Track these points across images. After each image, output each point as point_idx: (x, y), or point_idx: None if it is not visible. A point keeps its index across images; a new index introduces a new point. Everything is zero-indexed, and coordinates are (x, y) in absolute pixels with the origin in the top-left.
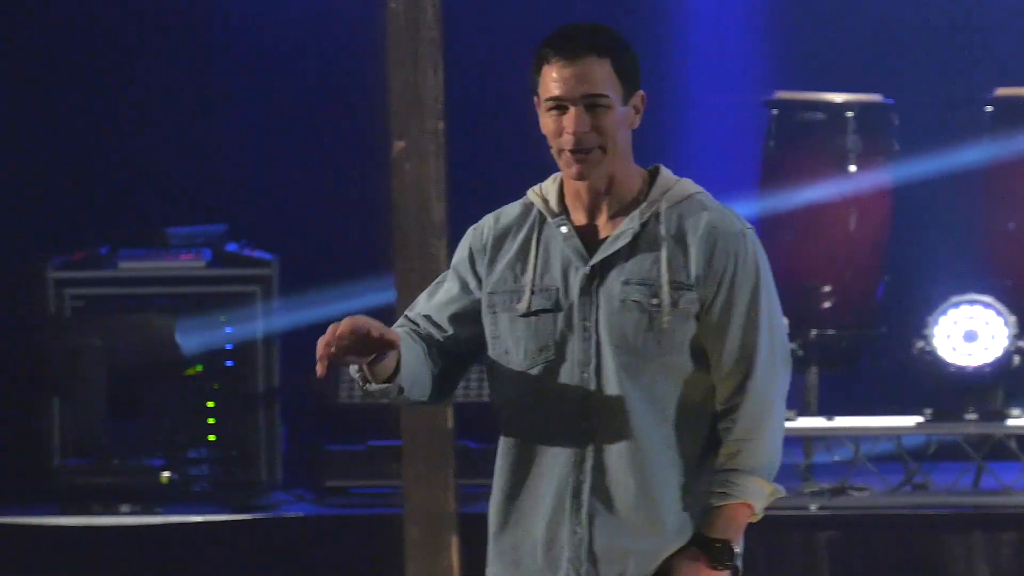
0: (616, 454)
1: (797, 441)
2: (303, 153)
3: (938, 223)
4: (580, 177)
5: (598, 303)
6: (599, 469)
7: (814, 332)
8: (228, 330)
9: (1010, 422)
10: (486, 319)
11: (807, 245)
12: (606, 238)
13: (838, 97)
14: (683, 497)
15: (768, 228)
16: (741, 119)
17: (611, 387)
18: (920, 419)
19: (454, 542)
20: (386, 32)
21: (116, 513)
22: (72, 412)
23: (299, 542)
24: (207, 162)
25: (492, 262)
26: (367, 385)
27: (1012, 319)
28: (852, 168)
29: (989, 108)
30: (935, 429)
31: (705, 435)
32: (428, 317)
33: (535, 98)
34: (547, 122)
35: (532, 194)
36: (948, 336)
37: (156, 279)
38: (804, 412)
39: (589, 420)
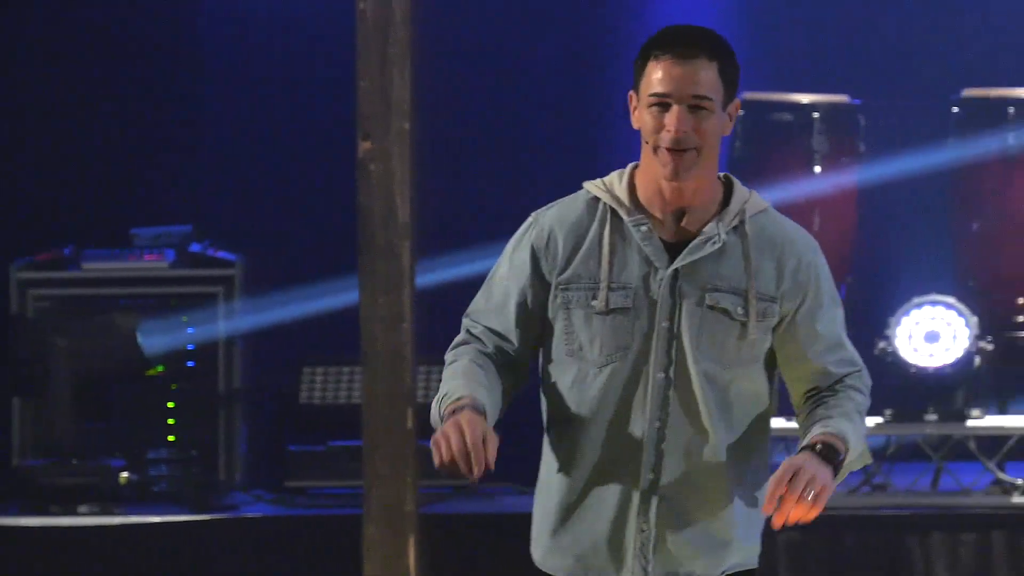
0: (688, 456)
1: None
2: (269, 153)
3: (903, 224)
4: (674, 176)
5: (681, 306)
6: (670, 469)
7: None
8: (190, 331)
9: (970, 423)
10: (556, 315)
11: None
12: (687, 241)
13: (804, 98)
14: (748, 505)
15: None
16: None
17: (689, 390)
18: (880, 419)
19: (412, 542)
20: (354, 33)
21: (75, 514)
22: (35, 412)
23: (259, 542)
24: (172, 163)
25: (562, 257)
26: None
27: (974, 320)
28: (818, 169)
29: (956, 109)
30: (895, 430)
31: (761, 449)
32: (494, 332)
33: (632, 93)
34: (646, 117)
35: (596, 189)
36: (910, 337)
37: (120, 280)
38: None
39: (663, 420)
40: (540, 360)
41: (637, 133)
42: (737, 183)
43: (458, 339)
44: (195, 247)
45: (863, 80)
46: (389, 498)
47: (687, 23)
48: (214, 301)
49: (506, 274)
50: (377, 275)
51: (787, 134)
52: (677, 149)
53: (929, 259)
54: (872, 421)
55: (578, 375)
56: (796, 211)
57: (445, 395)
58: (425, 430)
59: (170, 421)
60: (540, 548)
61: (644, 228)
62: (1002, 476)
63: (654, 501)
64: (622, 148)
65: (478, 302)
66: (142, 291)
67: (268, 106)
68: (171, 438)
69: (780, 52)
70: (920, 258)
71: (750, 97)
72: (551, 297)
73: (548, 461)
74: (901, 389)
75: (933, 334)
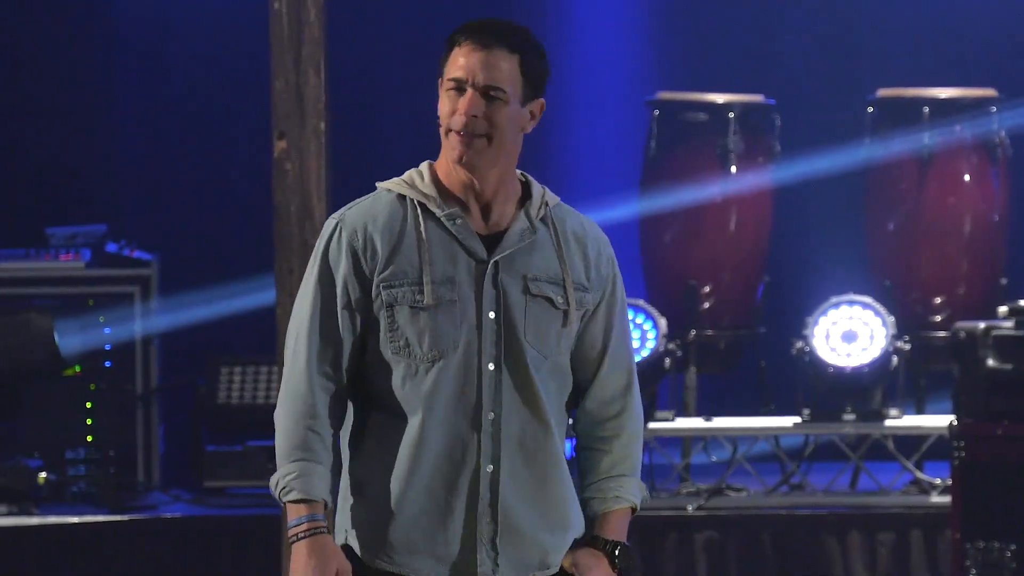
0: (523, 444)
1: (675, 442)
2: (184, 153)
3: (819, 224)
4: (460, 160)
5: (506, 297)
6: (510, 459)
7: (693, 332)
8: (107, 331)
9: (888, 422)
10: (380, 313)
11: (687, 246)
12: (498, 233)
13: (720, 98)
14: (570, 493)
15: (649, 228)
16: (623, 119)
17: (517, 380)
18: (798, 419)
19: None
20: (269, 32)
21: None
22: None
23: (177, 543)
24: (87, 162)
25: (381, 255)
26: None
27: (891, 320)
28: (733, 169)
29: (870, 109)
30: (813, 429)
31: (564, 430)
32: (344, 369)
33: (439, 80)
34: (444, 102)
35: (399, 187)
36: (827, 336)
37: (35, 279)
38: (682, 413)
39: (497, 411)
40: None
41: (544, 131)
42: (531, 178)
43: (300, 407)
44: (111, 247)
45: (779, 80)
46: None
47: (599, 22)
48: (131, 301)
49: (324, 290)
50: (293, 274)
51: (702, 134)
52: (466, 133)
53: (846, 259)
54: (790, 421)
55: (407, 372)
56: (712, 211)
57: (290, 487)
58: None
59: (88, 421)
60: (373, 546)
61: (459, 221)
62: (920, 475)
63: (499, 491)
64: (534, 147)
65: (313, 344)
66: (58, 291)
67: (183, 105)
68: (89, 438)
69: (696, 52)
70: (837, 258)
71: (665, 97)
72: (373, 296)
73: (371, 458)
74: (819, 389)
75: (851, 334)
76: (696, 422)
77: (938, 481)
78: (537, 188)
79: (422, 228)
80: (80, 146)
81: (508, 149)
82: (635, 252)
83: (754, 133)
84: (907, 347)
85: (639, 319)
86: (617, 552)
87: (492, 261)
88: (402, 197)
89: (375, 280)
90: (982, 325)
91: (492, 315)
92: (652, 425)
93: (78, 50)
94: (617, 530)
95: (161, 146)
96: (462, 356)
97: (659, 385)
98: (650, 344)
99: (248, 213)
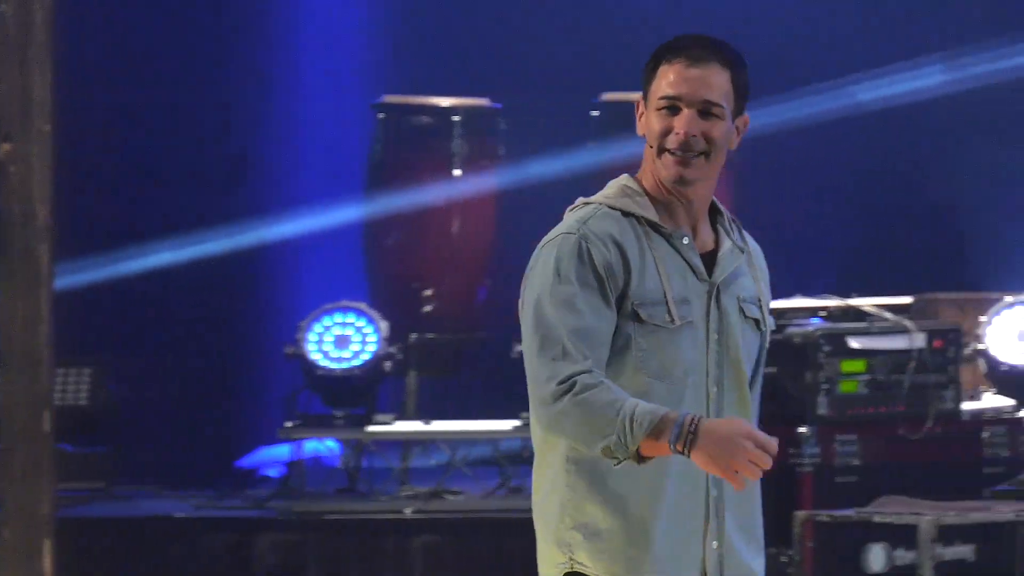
0: None
1: (395, 445)
2: None
3: (543, 227)
4: (678, 179)
5: (724, 318)
6: (722, 484)
7: (414, 336)
8: None
9: None
10: (635, 332)
11: (411, 249)
12: (711, 252)
13: (445, 101)
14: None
15: (372, 231)
16: (348, 122)
17: (735, 402)
18: (517, 422)
19: (48, 546)
20: None
21: None
22: None
23: None
24: None
25: (632, 272)
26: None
27: None
28: (457, 172)
29: (595, 113)
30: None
31: None
32: (595, 357)
33: (639, 100)
34: (653, 121)
35: (622, 203)
36: None
37: None
38: (402, 416)
39: None
40: None
41: (270, 133)
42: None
43: (574, 369)
44: None
45: (504, 84)
46: (24, 501)
47: (325, 25)
48: None
49: (592, 297)
50: (15, 277)
51: (427, 137)
52: (684, 152)
53: None
54: (509, 424)
55: (651, 392)
56: (436, 214)
57: (639, 415)
58: (61, 433)
59: None
60: (623, 563)
61: (686, 241)
62: None
63: (724, 516)
64: (260, 148)
65: (587, 331)
66: None
67: None
68: None
69: (421, 55)
70: None
71: (390, 100)
72: (622, 312)
73: (609, 481)
74: None
75: None
76: (416, 425)
77: None
78: (720, 205)
79: (647, 247)
80: None
81: (719, 166)
82: (358, 254)
83: (478, 137)
84: None
85: (360, 322)
86: None
87: (715, 282)
88: (625, 214)
89: (628, 296)
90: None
91: (716, 337)
92: (371, 428)
93: None
94: None
95: None
96: (695, 377)
97: (379, 388)
98: (371, 347)
99: None
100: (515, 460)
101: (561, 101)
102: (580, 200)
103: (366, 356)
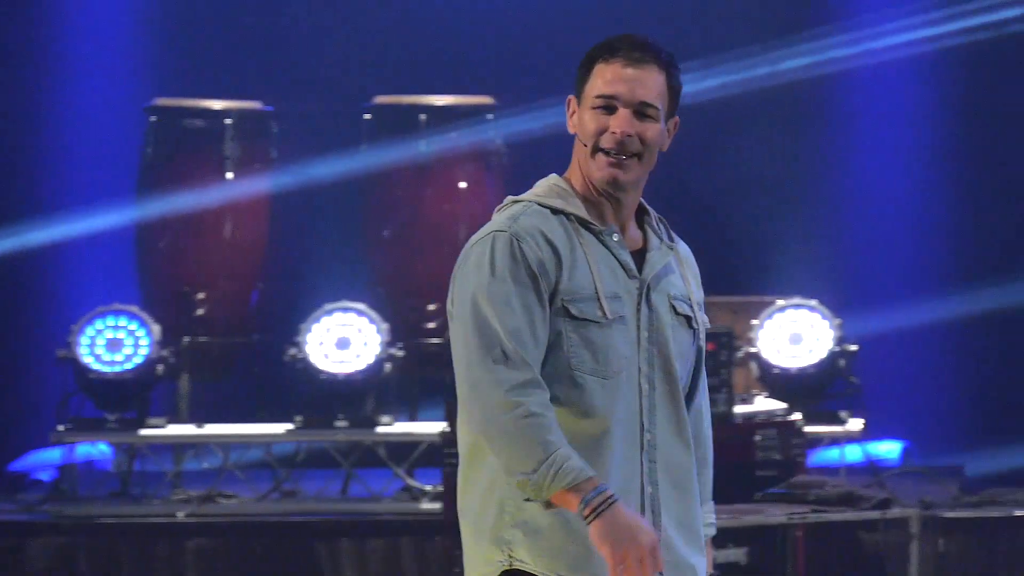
0: (668, 468)
1: (167, 448)
2: None
3: (316, 231)
4: (612, 180)
5: (655, 315)
6: (658, 483)
7: (187, 339)
8: None
9: (380, 429)
10: (565, 326)
11: (183, 252)
12: (640, 250)
13: (217, 104)
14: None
15: (144, 234)
16: (121, 125)
17: (667, 400)
18: (290, 426)
19: None
20: None
21: None
22: None
23: None
24: None
25: (563, 268)
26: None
27: (385, 327)
28: (230, 175)
29: (368, 116)
30: (305, 436)
31: None
32: (534, 361)
33: (571, 98)
34: (588, 119)
35: (552, 200)
36: (321, 343)
37: None
38: (175, 419)
39: (651, 431)
40: None
41: (41, 135)
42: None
43: (519, 379)
44: None
45: (276, 87)
46: None
47: (96, 26)
48: None
49: (527, 295)
50: None
51: (199, 140)
52: (619, 152)
53: (342, 266)
54: (283, 428)
55: (583, 387)
56: (209, 217)
57: (568, 467)
58: None
59: None
60: (546, 559)
61: (616, 238)
62: (411, 482)
63: (660, 513)
64: (34, 149)
65: (521, 332)
66: None
67: None
68: None
69: (195, 59)
70: (333, 265)
71: (162, 103)
72: (554, 308)
73: None
74: (312, 396)
75: (344, 340)
76: (189, 429)
77: (429, 488)
78: (647, 205)
79: (578, 244)
80: None
81: (651, 167)
82: (131, 257)
83: (251, 139)
84: (401, 354)
85: (132, 325)
86: None
87: (645, 278)
88: (556, 211)
89: (559, 292)
90: None
91: (647, 334)
92: (144, 432)
93: None
94: (711, 559)
95: None
96: (628, 374)
97: (151, 391)
98: (143, 351)
99: None
100: (288, 463)
101: (334, 104)
102: (509, 199)
103: (138, 359)
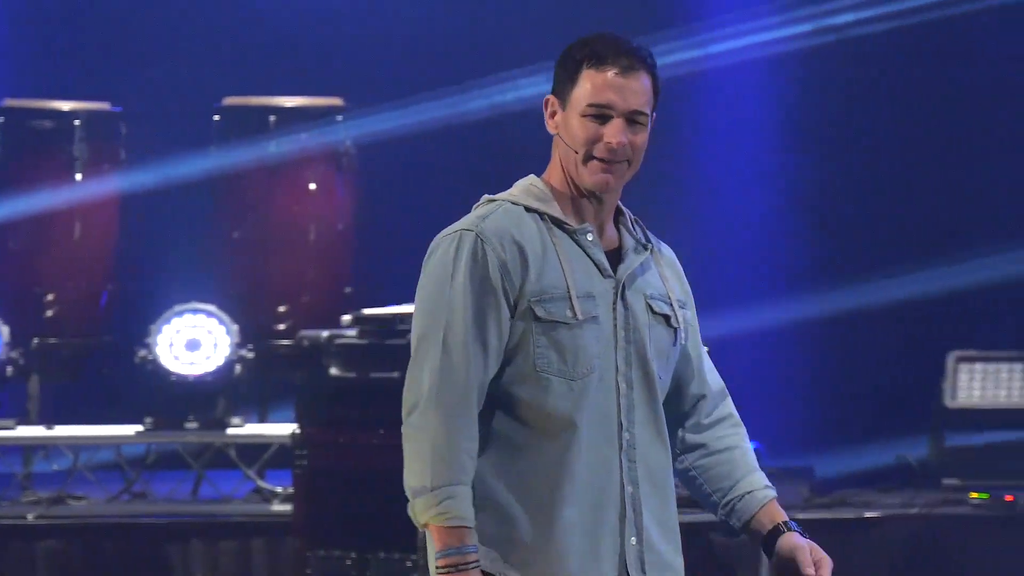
0: (647, 467)
1: (16, 450)
2: None
3: (166, 232)
4: (603, 186)
5: (631, 314)
6: (638, 482)
7: (36, 340)
8: None
9: (230, 431)
10: (532, 328)
11: (32, 253)
12: (616, 250)
13: (65, 105)
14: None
15: None
16: None
17: (645, 400)
18: (140, 428)
19: None
20: None
21: None
22: None
23: None
24: None
25: (533, 270)
26: None
27: (235, 328)
28: (79, 176)
29: (217, 117)
30: (155, 437)
31: None
32: (477, 371)
33: (551, 97)
34: (577, 126)
35: (527, 200)
36: (171, 345)
37: None
38: (24, 421)
39: (630, 431)
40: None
41: None
42: None
43: (448, 399)
44: None
45: (127, 88)
46: None
47: None
48: None
49: (485, 299)
50: None
51: (47, 141)
52: (612, 160)
53: (192, 267)
54: (132, 429)
55: (554, 389)
56: (57, 219)
57: (454, 511)
58: None
59: None
60: (517, 569)
61: (591, 237)
62: (262, 484)
63: (642, 512)
64: None
65: (469, 348)
66: None
67: None
68: None
69: (45, 59)
70: (183, 266)
71: (11, 104)
72: (520, 310)
73: (509, 477)
74: (162, 397)
75: (194, 342)
76: (38, 430)
77: (280, 489)
78: (622, 206)
79: (550, 243)
80: None
81: (637, 169)
82: None
83: (100, 140)
84: (251, 355)
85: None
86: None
87: (620, 278)
88: (528, 210)
89: (525, 294)
90: (325, 333)
91: (623, 333)
92: None
93: None
94: (781, 511)
95: None
96: (603, 374)
97: (0, 393)
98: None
99: None
100: (138, 465)
101: (183, 105)
102: (485, 197)
103: None
